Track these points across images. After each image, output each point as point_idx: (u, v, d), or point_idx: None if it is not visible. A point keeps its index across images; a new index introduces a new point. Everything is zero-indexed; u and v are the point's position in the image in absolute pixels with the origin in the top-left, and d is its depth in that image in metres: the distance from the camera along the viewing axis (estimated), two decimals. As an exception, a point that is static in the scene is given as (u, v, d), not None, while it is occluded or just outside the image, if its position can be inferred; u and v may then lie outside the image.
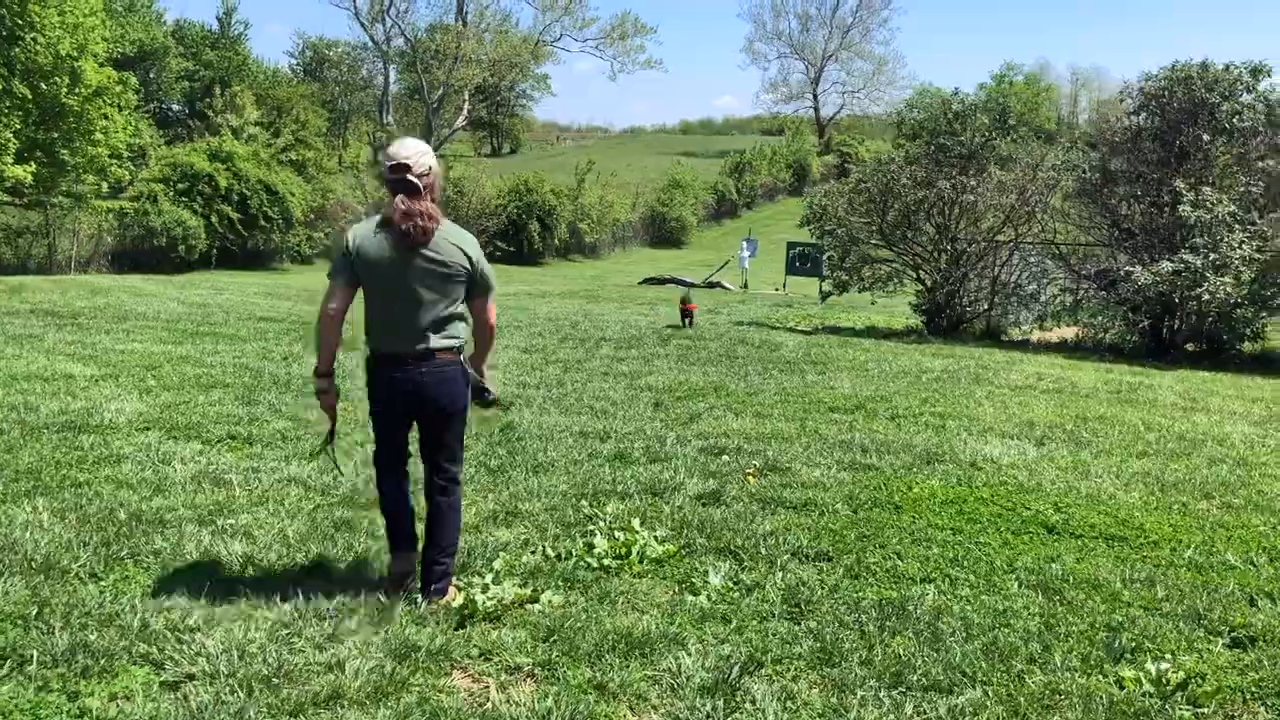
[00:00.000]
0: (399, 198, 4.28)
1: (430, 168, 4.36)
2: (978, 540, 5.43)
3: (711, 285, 34.73)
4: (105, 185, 29.29)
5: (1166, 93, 17.71)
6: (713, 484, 6.38)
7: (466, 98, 65.89)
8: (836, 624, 4.26)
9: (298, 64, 76.52)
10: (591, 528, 5.36)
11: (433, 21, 70.48)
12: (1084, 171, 18.66)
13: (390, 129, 52.81)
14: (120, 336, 12.54)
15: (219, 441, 7.11)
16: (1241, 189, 16.59)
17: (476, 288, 4.47)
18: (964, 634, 4.20)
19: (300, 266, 36.11)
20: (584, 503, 5.81)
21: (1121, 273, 16.56)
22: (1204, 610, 4.55)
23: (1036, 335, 19.44)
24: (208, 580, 4.50)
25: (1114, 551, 5.40)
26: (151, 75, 52.03)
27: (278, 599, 4.30)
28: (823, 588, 4.67)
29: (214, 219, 32.53)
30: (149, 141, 39.50)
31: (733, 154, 69.55)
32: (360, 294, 4.52)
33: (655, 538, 5.19)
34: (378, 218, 4.43)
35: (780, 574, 4.82)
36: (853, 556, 5.09)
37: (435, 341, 4.37)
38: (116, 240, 31.49)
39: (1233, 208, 16.17)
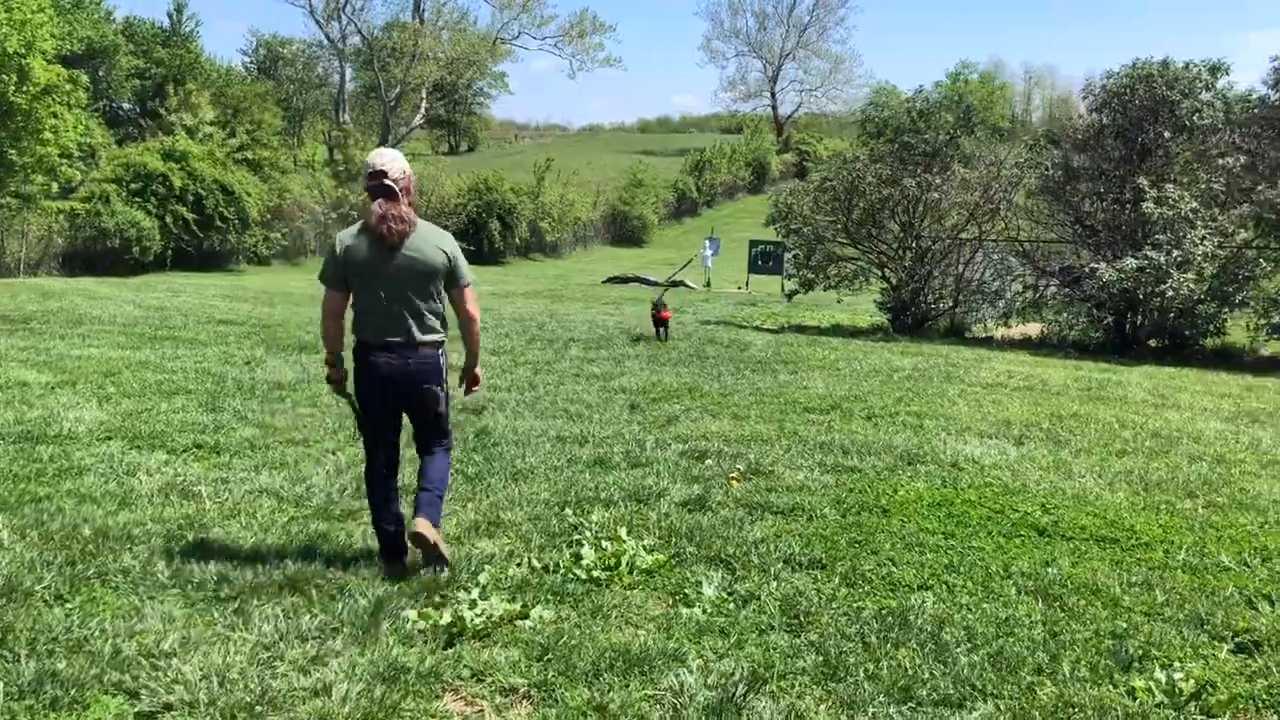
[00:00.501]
0: (377, 202, 4.71)
1: (405, 172, 4.81)
2: (970, 544, 5.34)
3: (675, 284, 34.46)
4: (55, 185, 28.64)
5: (1128, 90, 17.83)
6: (697, 489, 6.24)
7: (424, 95, 65.31)
8: (838, 636, 4.14)
9: (251, 62, 75.56)
10: (578, 537, 5.21)
11: (389, 19, 69.91)
12: (1047, 169, 18.75)
13: (347, 127, 52.25)
14: (76, 342, 12.19)
15: (185, 451, 6.87)
16: (1203, 186, 16.72)
17: (453, 281, 4.88)
18: (969, 644, 4.09)
19: (257, 267, 35.60)
20: (568, 511, 5.66)
21: (1087, 269, 16.63)
22: (1206, 615, 4.49)
23: (1000, 332, 19.53)
24: (181, 600, 4.30)
25: (1108, 554, 5.34)
26: (101, 73, 51.03)
27: (256, 619, 4.11)
28: (820, 597, 4.55)
29: (169, 219, 31.93)
30: (100, 141, 38.76)
31: (693, 152, 69.47)
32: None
33: (644, 547, 5.05)
34: (360, 223, 4.84)
35: (775, 583, 4.70)
36: (847, 564, 4.98)
37: (419, 335, 4.77)
38: (68, 242, 30.83)
39: (1195, 204, 16.30)
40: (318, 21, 65.19)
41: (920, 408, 9.79)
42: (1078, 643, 4.16)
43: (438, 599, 4.38)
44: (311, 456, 6.81)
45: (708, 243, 39.15)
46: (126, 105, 54.89)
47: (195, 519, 5.35)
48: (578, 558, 4.86)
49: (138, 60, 52.84)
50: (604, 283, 34.33)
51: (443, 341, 4.88)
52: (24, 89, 25.63)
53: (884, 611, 4.39)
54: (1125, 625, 4.35)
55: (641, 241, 56.85)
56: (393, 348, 4.74)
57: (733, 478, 6.58)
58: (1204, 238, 15.89)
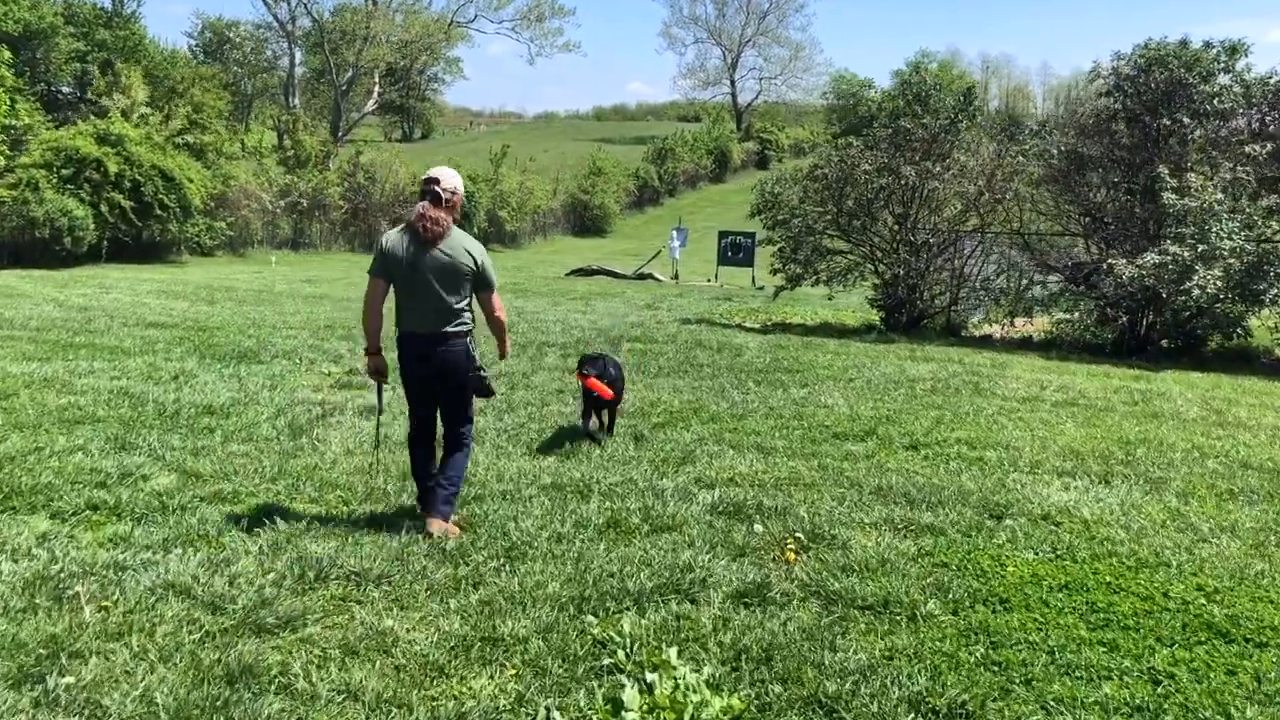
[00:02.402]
0: (421, 204, 5.29)
1: (456, 190, 5.37)
2: (1150, 665, 3.91)
3: (642, 277, 33.09)
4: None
5: (1142, 73, 16.57)
6: (750, 571, 4.77)
7: (377, 80, 63.15)
8: None
9: (197, 45, 72.87)
10: (609, 661, 3.72)
11: (340, 2, 67.50)
12: (1052, 156, 17.46)
13: (296, 113, 49.98)
14: (-26, 351, 10.49)
15: (74, 515, 5.28)
16: (1228, 175, 15.48)
17: (480, 284, 5.39)
18: None
19: (200, 259, 33.49)
20: (588, 616, 4.16)
21: (1104, 266, 15.34)
22: None
23: (1000, 331, 18.24)
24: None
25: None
26: (39, 56, 48.46)
27: None
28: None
29: (104, 208, 29.72)
30: (38, 122, 36.45)
31: (655, 140, 67.89)
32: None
33: (706, 682, 3.57)
34: (404, 224, 5.39)
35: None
36: (999, 708, 3.52)
37: (448, 327, 5.29)
38: (-8, 231, 28.63)
39: (1219, 195, 15.07)
40: (265, 3, 62.72)
41: (967, 433, 8.38)
42: None
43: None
44: (241, 521, 5.24)
45: (675, 233, 37.62)
46: (66, 89, 52.34)
47: (64, 641, 3.78)
48: (617, 708, 3.36)
49: (78, 43, 50.30)
50: (568, 275, 32.72)
51: (468, 332, 5.38)
52: (-61, 66, 23.55)
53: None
54: None
55: (603, 231, 55.22)
56: (427, 338, 5.29)
57: (789, 550, 5.11)
58: (1232, 231, 14.64)
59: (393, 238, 5.33)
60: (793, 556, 5.02)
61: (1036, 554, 5.20)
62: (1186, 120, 16.23)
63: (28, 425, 7.21)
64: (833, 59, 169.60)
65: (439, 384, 5.38)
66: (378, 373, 5.58)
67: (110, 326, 13.15)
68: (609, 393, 7.32)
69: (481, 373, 5.46)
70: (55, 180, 28.76)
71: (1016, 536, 5.50)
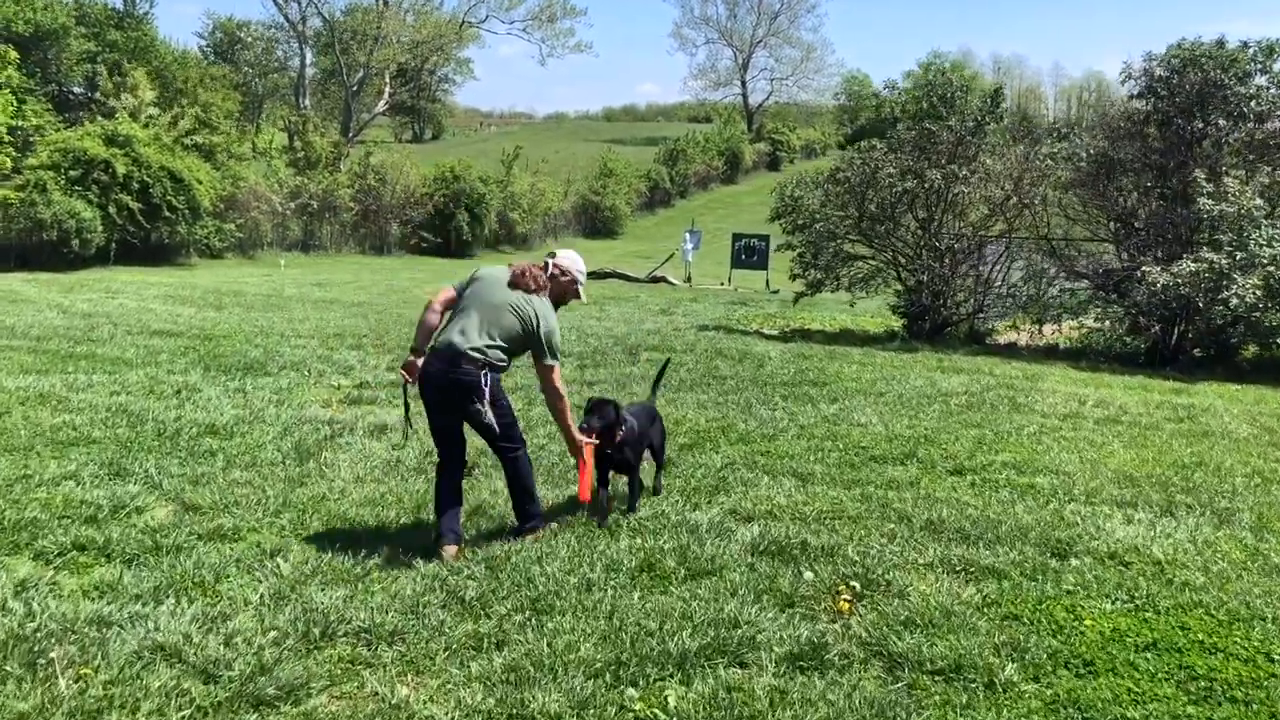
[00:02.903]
0: (532, 263, 5.46)
1: (567, 272, 5.52)
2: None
3: (656, 280, 32.64)
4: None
5: (1175, 75, 16.06)
6: (800, 622, 4.32)
7: (387, 81, 62.77)
8: None
9: (208, 45, 72.63)
10: (656, 747, 3.26)
11: (351, 2, 67.11)
12: (1081, 160, 16.95)
13: (306, 113, 49.63)
14: (-30, 363, 10.08)
15: (59, 555, 4.84)
16: (1265, 179, 14.97)
17: (537, 348, 5.30)
18: None
19: (209, 261, 33.11)
20: (628, 688, 3.69)
21: (1139, 273, 14.83)
22: None
23: (1026, 340, 17.75)
24: None
25: None
26: (50, 56, 48.22)
27: None
28: None
29: (112, 209, 29.34)
30: (48, 122, 36.14)
31: (668, 141, 67.39)
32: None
33: (769, 773, 3.11)
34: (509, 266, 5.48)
35: None
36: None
37: (470, 349, 5.15)
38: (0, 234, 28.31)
39: (1258, 200, 14.56)
40: (276, 2, 62.39)
41: (1012, 455, 7.91)
42: None
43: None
44: (241, 564, 4.80)
45: (688, 235, 37.20)
46: (78, 89, 52.13)
47: (34, 720, 3.34)
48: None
49: (89, 44, 50.06)
50: (581, 278, 32.23)
51: (486, 365, 5.16)
52: (-56, 66, 23.21)
53: None
54: None
55: (614, 233, 54.77)
56: (442, 354, 5.20)
57: (843, 599, 4.65)
58: (1272, 238, 14.13)
59: (491, 268, 5.50)
60: (846, 606, 4.57)
61: (1113, 603, 4.73)
62: (1222, 123, 15.75)
63: (18, 448, 6.79)
64: (844, 60, 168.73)
65: (449, 407, 5.23)
66: (406, 369, 5.45)
67: (114, 335, 12.74)
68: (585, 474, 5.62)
69: (478, 406, 5.15)
70: (63, 182, 28.44)
71: (1086, 580, 5.03)
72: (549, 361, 5.28)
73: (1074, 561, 5.35)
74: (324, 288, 23.76)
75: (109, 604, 4.23)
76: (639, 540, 5.35)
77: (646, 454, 6.22)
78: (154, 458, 6.69)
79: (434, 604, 4.39)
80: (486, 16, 66.79)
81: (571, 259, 5.61)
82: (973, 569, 5.15)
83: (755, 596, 4.59)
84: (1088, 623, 4.45)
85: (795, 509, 6.06)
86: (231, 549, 5.02)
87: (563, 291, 5.53)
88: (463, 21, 65.39)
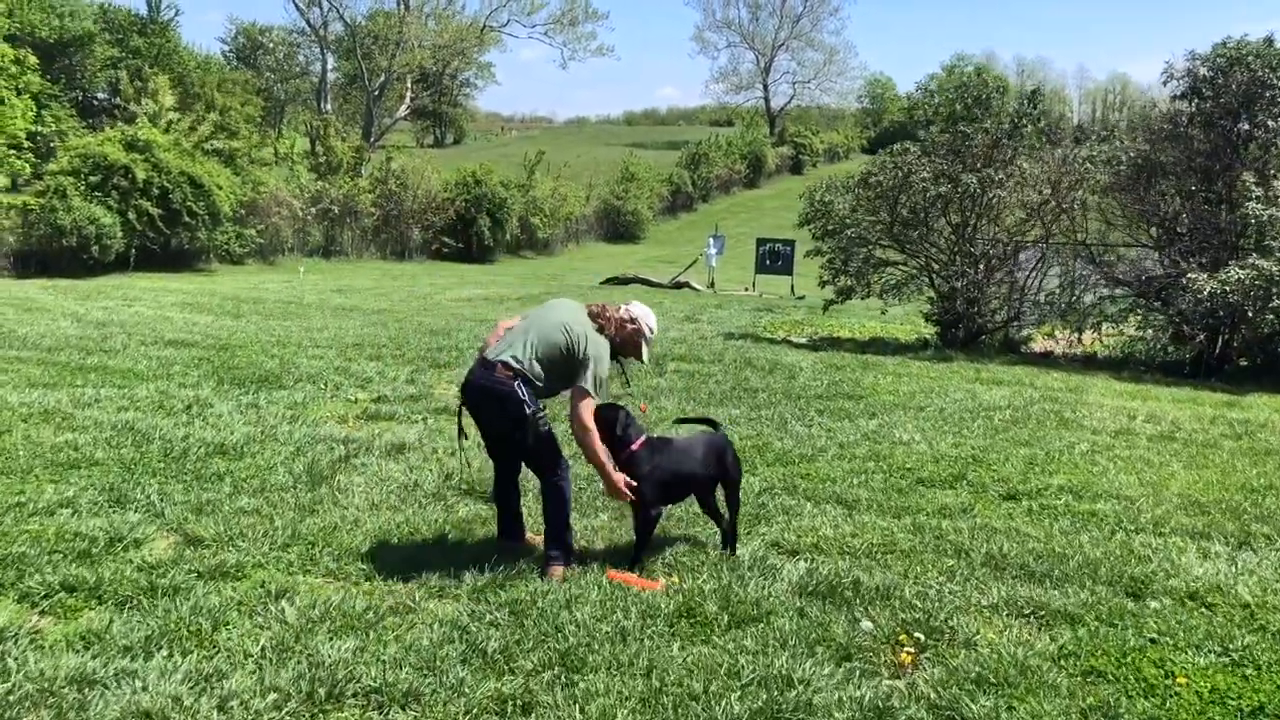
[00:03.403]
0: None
1: (634, 321, 5.32)
2: None
3: (679, 285, 32.19)
4: (1, 178, 25.96)
5: (1220, 75, 15.51)
6: (860, 680, 3.87)
7: (409, 85, 62.59)
8: None
9: (230, 50, 72.73)
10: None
11: (373, 6, 67.05)
12: (1120, 163, 16.40)
13: (329, 118, 49.43)
14: (-25, 376, 9.75)
15: (46, 597, 4.44)
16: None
17: (578, 369, 5.00)
18: None
19: (230, 267, 32.89)
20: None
21: (1183, 280, 14.29)
22: None
23: (1062, 348, 17.21)
24: None
25: None
26: (75, 63, 48.29)
27: None
28: None
29: (132, 215, 29.12)
30: (72, 128, 35.97)
31: (689, 144, 66.92)
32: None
33: None
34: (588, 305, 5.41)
35: None
36: None
37: (504, 356, 5.03)
38: (20, 240, 28.12)
39: (1311, 204, 14.00)
40: (298, 7, 62.27)
41: (1067, 478, 7.43)
42: None
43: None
44: (244, 608, 4.39)
45: (711, 240, 36.69)
46: (101, 95, 52.23)
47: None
48: None
49: (114, 50, 50.14)
50: (602, 284, 31.82)
51: (520, 376, 4.98)
52: (-36, 71, 23.05)
53: None
54: None
55: (636, 238, 54.36)
56: (482, 363, 5.11)
57: (905, 651, 4.20)
58: (1327, 244, 13.57)
59: (564, 298, 5.55)
60: (909, 659, 4.12)
61: (1203, 655, 4.26)
62: (1271, 124, 15.17)
63: (15, 470, 6.41)
64: (867, 63, 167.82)
65: (488, 417, 5.13)
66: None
67: (127, 345, 12.40)
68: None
69: (535, 412, 5.02)
70: (83, 187, 28.27)
71: (1170, 627, 4.56)
72: (584, 384, 4.98)
73: (1152, 603, 4.88)
74: (344, 294, 23.44)
75: (94, 658, 3.83)
76: (676, 578, 4.92)
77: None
78: (158, 482, 6.31)
79: (453, 657, 3.97)
80: (508, 20, 66.47)
81: (644, 312, 5.42)
82: (1043, 613, 4.70)
83: (808, 648, 4.15)
84: (1181, 681, 3.98)
85: (843, 541, 5.61)
86: (234, 590, 4.62)
87: (625, 340, 5.29)
88: (484, 26, 65.13)
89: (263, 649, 3.97)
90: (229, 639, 4.06)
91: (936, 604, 4.70)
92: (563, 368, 5.04)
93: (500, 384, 4.95)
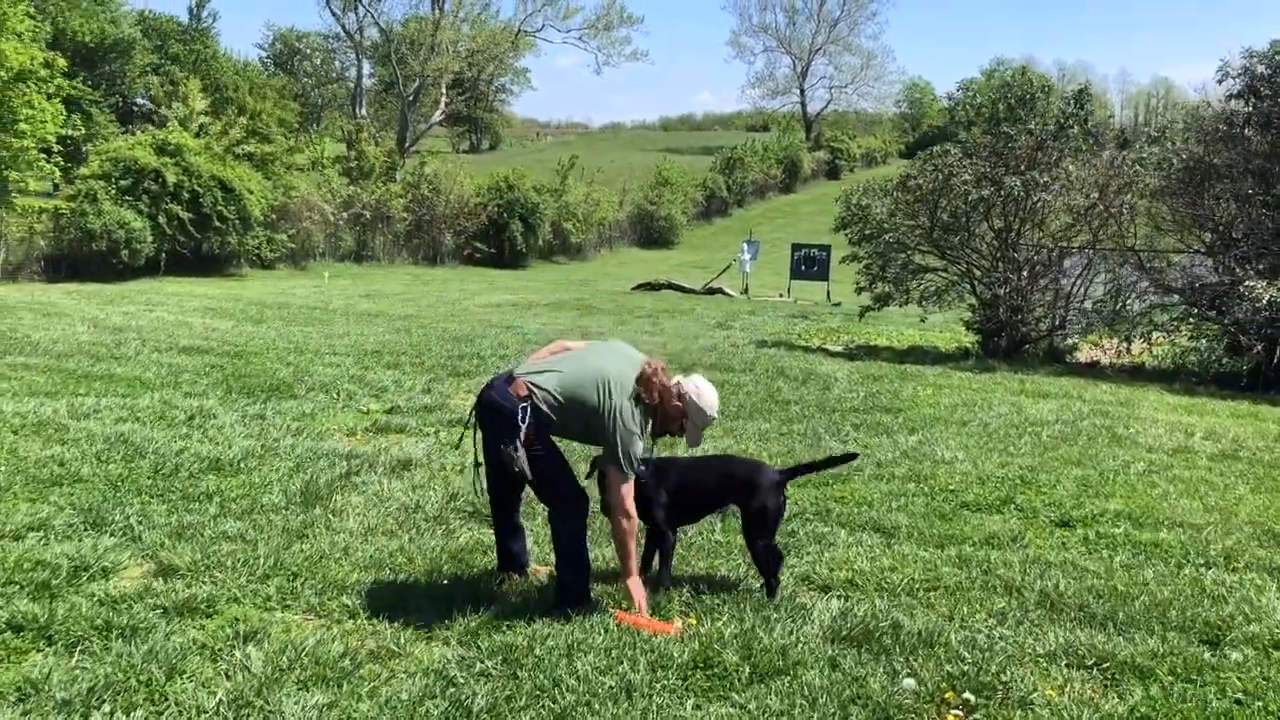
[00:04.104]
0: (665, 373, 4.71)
1: (684, 400, 4.64)
2: None
3: (712, 291, 31.68)
4: (31, 183, 25.87)
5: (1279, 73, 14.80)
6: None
7: (444, 90, 62.42)
8: None
9: (268, 56, 73.10)
10: None
11: (408, 13, 66.95)
12: (1171, 165, 15.70)
13: (361, 122, 49.31)
14: (-23, 384, 9.40)
15: (-6, 636, 4.00)
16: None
17: (608, 448, 4.51)
18: None
19: (261, 272, 32.71)
20: None
21: (1240, 288, 13.60)
22: None
23: (1109, 357, 16.53)
24: None
25: None
26: (115, 69, 48.56)
27: None
28: None
29: (162, 219, 29.01)
30: (112, 133, 36.02)
31: (724, 149, 66.36)
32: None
33: None
34: (647, 359, 4.82)
35: None
36: None
37: (530, 376, 4.58)
38: (51, 244, 28.05)
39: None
40: (334, 13, 62.35)
41: (1124, 503, 6.84)
42: None
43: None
44: (207, 651, 3.92)
45: (745, 245, 36.14)
46: (140, 101, 52.49)
47: None
48: None
49: (153, 56, 50.39)
50: (634, 290, 31.37)
51: (529, 401, 4.48)
52: (-7, 74, 22.96)
53: None
54: None
55: (670, 243, 53.89)
56: (510, 375, 4.69)
57: (953, 714, 3.66)
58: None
59: (626, 345, 5.04)
60: (957, 722, 3.58)
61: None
62: (1334, 124, 14.45)
63: (-7, 487, 6.01)
64: (905, 67, 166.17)
65: (488, 434, 4.62)
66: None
67: (139, 352, 12.06)
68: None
69: (514, 443, 4.43)
70: (113, 191, 28.17)
71: (1257, 685, 4.00)
72: (619, 465, 4.46)
73: (1233, 654, 4.31)
74: (372, 299, 23.11)
75: (24, 713, 3.37)
76: (693, 620, 4.41)
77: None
78: (141, 501, 5.87)
79: (434, 715, 3.47)
80: (543, 25, 66.10)
81: (701, 390, 4.71)
82: (1107, 664, 4.14)
83: (840, 708, 3.63)
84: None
85: (881, 576, 5.07)
86: (200, 629, 4.15)
87: (666, 416, 4.65)
88: (519, 30, 64.90)
89: (219, 704, 3.50)
90: (182, 691, 3.59)
91: (987, 653, 4.16)
92: (583, 421, 4.55)
93: (507, 400, 4.49)
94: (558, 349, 4.96)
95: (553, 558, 4.71)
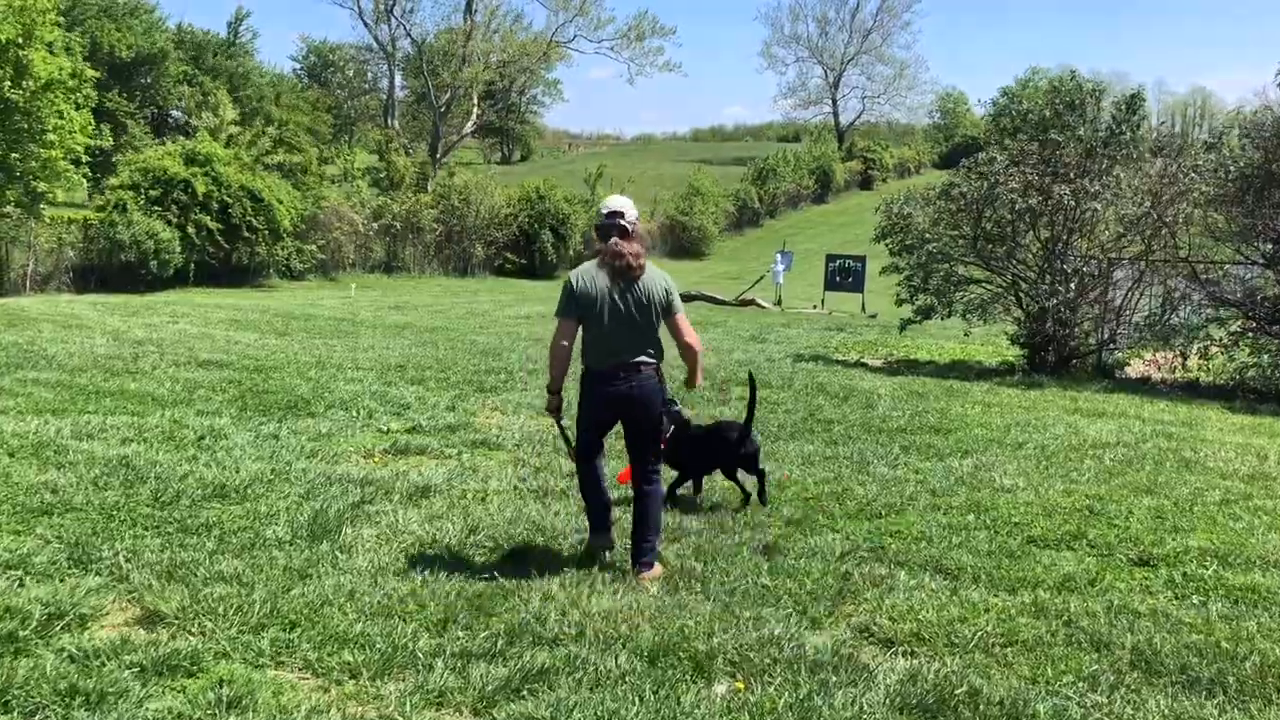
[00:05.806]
0: (613, 240, 5.31)
1: (637, 220, 5.45)
2: None
3: (745, 303, 31.08)
4: (60, 193, 25.71)
5: (1344, 74, 14.11)
6: None
7: (475, 101, 62.23)
8: None
9: (302, 68, 73.27)
10: None
11: (441, 23, 66.98)
12: (1228, 173, 15.00)
13: (391, 133, 49.19)
14: (-17, 400, 9.00)
15: (-57, 703, 3.53)
16: None
17: (669, 311, 5.38)
18: None
19: (290, 283, 32.47)
20: None
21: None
22: None
23: (1161, 373, 15.79)
24: None
25: None
26: (150, 81, 48.65)
27: None
28: None
29: (191, 230, 28.82)
30: (147, 144, 36.08)
31: (756, 160, 65.76)
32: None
33: None
34: (594, 261, 5.38)
35: None
36: None
37: (642, 358, 5.30)
38: (80, 255, 27.89)
39: None
40: (366, 24, 62.37)
41: (1206, 537, 6.22)
42: None
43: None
44: (191, 707, 3.42)
45: (779, 256, 35.53)
46: (175, 113, 52.64)
47: None
48: None
49: (187, 67, 50.45)
50: (666, 301, 30.78)
51: (659, 364, 5.37)
52: (22, 84, 22.76)
53: None
54: None
55: (701, 253, 53.35)
56: (617, 372, 5.26)
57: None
58: None
59: (585, 277, 5.34)
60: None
61: None
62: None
63: (-22, 518, 5.56)
64: (938, 77, 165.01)
65: (628, 418, 5.38)
66: (555, 410, 5.59)
67: (156, 366, 11.65)
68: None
69: (674, 405, 5.58)
70: (143, 201, 27.97)
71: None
72: (679, 312, 5.46)
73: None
74: (401, 311, 22.74)
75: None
76: (739, 682, 3.86)
77: None
78: (134, 535, 5.40)
79: (438, 808, 2.96)
80: (574, 36, 65.78)
81: (629, 204, 5.49)
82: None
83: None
84: None
85: (949, 628, 4.51)
86: (180, 692, 3.65)
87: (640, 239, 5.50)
88: (550, 41, 64.62)
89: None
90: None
91: (1077, 727, 3.59)
92: (665, 310, 5.40)
93: (647, 381, 5.37)
94: (569, 344, 5.43)
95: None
